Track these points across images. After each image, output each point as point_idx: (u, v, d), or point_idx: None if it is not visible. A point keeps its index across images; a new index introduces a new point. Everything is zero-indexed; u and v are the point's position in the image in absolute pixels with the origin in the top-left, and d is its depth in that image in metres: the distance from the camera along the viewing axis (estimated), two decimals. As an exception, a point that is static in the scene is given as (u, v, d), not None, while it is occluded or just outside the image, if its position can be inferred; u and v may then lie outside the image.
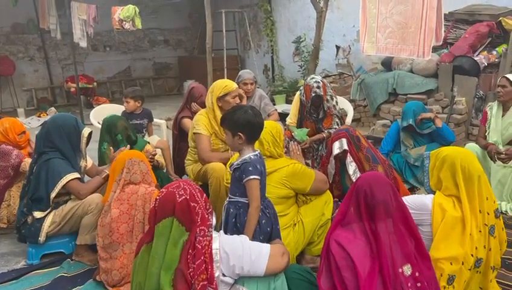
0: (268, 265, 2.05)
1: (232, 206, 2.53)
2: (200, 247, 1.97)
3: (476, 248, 2.27)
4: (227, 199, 2.60)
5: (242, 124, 2.46)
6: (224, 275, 2.02)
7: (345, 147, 3.35)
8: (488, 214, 2.34)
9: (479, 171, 2.37)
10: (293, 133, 4.34)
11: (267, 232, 2.51)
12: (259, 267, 2.04)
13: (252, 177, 2.41)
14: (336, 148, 3.39)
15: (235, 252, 2.03)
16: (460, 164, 2.35)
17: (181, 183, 2.07)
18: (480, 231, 2.30)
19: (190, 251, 1.97)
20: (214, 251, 2.00)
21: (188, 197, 2.00)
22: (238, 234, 2.34)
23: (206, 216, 2.04)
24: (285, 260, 2.14)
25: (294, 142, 3.86)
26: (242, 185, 2.46)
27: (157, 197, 2.05)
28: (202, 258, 1.96)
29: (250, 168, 2.42)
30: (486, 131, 4.08)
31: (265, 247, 2.13)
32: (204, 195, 2.11)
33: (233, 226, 2.49)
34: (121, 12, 7.42)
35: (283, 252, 2.18)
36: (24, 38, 10.24)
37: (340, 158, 3.44)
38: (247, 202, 2.46)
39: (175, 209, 1.98)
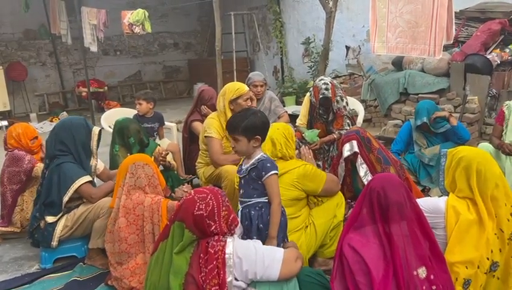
0: (281, 270, 2.03)
1: (253, 208, 2.50)
2: (212, 251, 1.97)
3: (492, 251, 2.21)
4: (244, 204, 2.56)
5: (259, 126, 2.49)
6: (236, 279, 2.00)
7: (355, 149, 3.29)
8: (508, 220, 2.24)
9: (497, 178, 2.26)
10: (303, 134, 4.31)
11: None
12: (273, 272, 2.02)
13: (272, 172, 2.42)
14: (346, 151, 3.33)
15: (249, 257, 2.01)
16: (476, 167, 2.25)
17: (209, 196, 2.03)
18: (495, 234, 2.24)
19: (202, 255, 1.97)
20: (227, 256, 1.98)
21: (205, 215, 1.98)
22: (262, 235, 2.36)
23: (225, 231, 2.03)
24: (298, 264, 2.12)
25: (305, 146, 3.83)
26: (260, 184, 2.45)
27: (186, 197, 2.06)
28: (214, 263, 1.95)
29: (268, 164, 2.43)
30: (502, 130, 3.96)
31: (279, 252, 2.10)
32: (232, 215, 2.08)
33: (256, 229, 2.47)
34: (131, 16, 7.46)
35: (297, 256, 2.16)
36: (36, 44, 10.35)
37: (351, 160, 3.40)
38: (267, 201, 2.45)
39: (188, 220, 1.98)
